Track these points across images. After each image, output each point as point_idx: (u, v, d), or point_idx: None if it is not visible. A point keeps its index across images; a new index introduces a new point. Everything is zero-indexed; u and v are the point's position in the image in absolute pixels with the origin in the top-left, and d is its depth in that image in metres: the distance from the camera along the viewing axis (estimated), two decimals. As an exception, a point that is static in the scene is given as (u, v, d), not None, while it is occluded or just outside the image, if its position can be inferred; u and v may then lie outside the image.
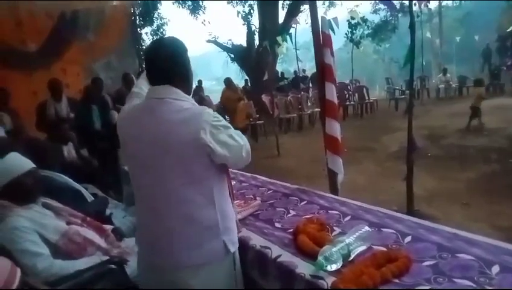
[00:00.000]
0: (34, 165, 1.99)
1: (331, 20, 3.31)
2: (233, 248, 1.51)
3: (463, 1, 27.10)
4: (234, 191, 2.48)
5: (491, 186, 4.39)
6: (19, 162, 1.96)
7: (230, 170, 2.94)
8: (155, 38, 15.83)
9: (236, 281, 1.57)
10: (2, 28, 6.13)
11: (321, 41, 2.65)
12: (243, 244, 1.78)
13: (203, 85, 13.91)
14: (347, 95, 12.14)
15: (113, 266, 1.91)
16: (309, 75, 13.85)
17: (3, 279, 1.13)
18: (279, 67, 17.21)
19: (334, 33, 3.30)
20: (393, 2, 13.11)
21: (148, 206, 1.50)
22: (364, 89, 12.38)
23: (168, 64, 1.43)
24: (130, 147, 1.49)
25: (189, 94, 1.50)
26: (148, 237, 1.51)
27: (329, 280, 1.32)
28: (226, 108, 8.80)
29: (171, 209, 1.42)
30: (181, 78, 1.46)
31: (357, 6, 14.26)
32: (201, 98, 1.72)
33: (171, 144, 1.36)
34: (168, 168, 1.39)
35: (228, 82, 9.29)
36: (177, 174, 1.39)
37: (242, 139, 1.48)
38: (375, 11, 17.02)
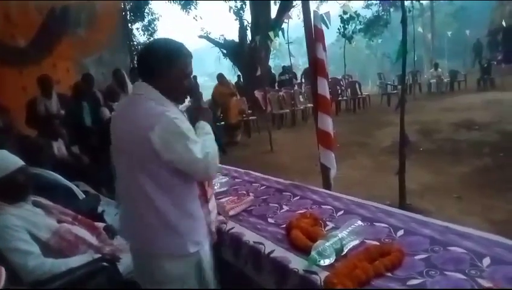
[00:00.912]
0: (23, 163, 1.97)
1: (323, 15, 3.30)
2: (193, 248, 1.50)
3: (454, -4, 27.25)
4: (227, 187, 2.49)
5: (484, 180, 4.43)
6: (8, 160, 1.93)
7: (222, 165, 2.96)
8: (146, 33, 15.76)
9: (201, 282, 1.58)
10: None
11: (313, 36, 2.64)
12: (236, 240, 1.78)
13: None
14: (339, 90, 12.16)
15: (106, 264, 1.90)
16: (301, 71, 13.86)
17: None
18: (271, 63, 17.17)
19: (327, 27, 3.29)
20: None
21: (123, 193, 1.58)
22: (357, 84, 12.40)
23: (146, 61, 1.47)
24: (112, 143, 1.57)
25: (175, 99, 1.51)
26: (125, 221, 1.63)
27: (323, 275, 1.32)
28: (218, 104, 8.76)
29: (131, 199, 1.51)
30: (155, 75, 1.46)
31: (349, 1, 14.25)
32: (197, 110, 1.71)
33: (130, 136, 1.42)
34: (126, 163, 1.48)
35: (221, 78, 9.23)
36: (137, 165, 1.44)
37: (201, 153, 1.41)
38: (367, 6, 17.03)
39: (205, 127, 1.59)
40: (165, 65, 1.45)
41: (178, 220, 1.47)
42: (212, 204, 1.69)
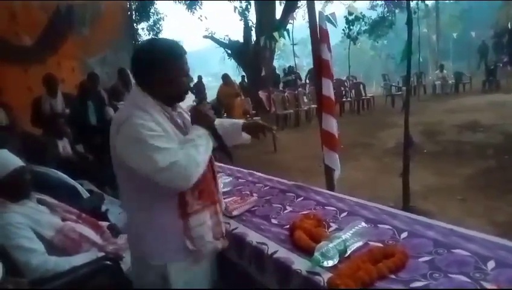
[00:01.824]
0: (22, 163, 1.98)
1: (329, 16, 3.30)
2: (157, 261, 1.46)
3: (459, -1, 27.13)
4: (231, 188, 2.49)
5: (488, 181, 4.40)
6: (8, 160, 1.95)
7: (226, 166, 2.96)
8: (151, 33, 15.81)
9: None
10: (-3, 22, 6.07)
11: (318, 37, 2.64)
12: (240, 241, 1.78)
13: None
14: (344, 92, 12.13)
15: (109, 263, 1.90)
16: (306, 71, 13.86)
17: None
18: (275, 63, 17.17)
19: (335, 27, 3.29)
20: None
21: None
22: (361, 86, 12.38)
23: (135, 66, 1.45)
24: None
25: (168, 101, 1.47)
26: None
27: (326, 276, 1.32)
28: (223, 104, 8.77)
29: (123, 205, 1.58)
30: (142, 80, 1.44)
31: (354, 2, 14.23)
32: (197, 110, 1.59)
33: (109, 140, 1.42)
34: (114, 169, 1.48)
35: (225, 78, 9.26)
36: (116, 169, 1.46)
37: (165, 161, 1.29)
38: (372, 7, 16.99)
39: (196, 132, 1.44)
40: (155, 67, 1.40)
41: (144, 228, 1.46)
42: (200, 219, 1.51)
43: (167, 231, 1.45)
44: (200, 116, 1.49)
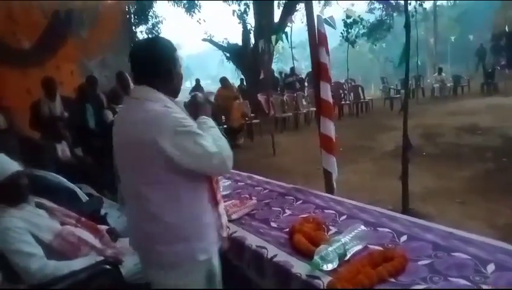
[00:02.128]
0: (19, 168, 1.97)
1: (328, 19, 3.30)
2: (203, 256, 1.44)
3: (458, 0, 27.21)
4: (230, 191, 2.49)
5: (487, 184, 4.41)
6: (5, 164, 1.94)
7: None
8: (150, 36, 15.82)
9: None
10: (-5, 25, 6.07)
11: (317, 40, 2.65)
12: (239, 244, 1.78)
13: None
14: (342, 94, 12.16)
15: (108, 267, 1.90)
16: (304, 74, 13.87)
17: None
18: (274, 66, 17.19)
19: (334, 28, 3.30)
20: (390, 1, 13.18)
21: (127, 201, 1.54)
22: (360, 89, 12.40)
23: (148, 65, 1.43)
24: (114, 149, 1.52)
25: (174, 94, 1.49)
26: (131, 231, 1.56)
27: (326, 280, 1.32)
28: (221, 107, 8.77)
29: (137, 206, 1.45)
30: (162, 79, 1.44)
31: (352, 5, 14.28)
32: (196, 103, 1.63)
33: (131, 144, 1.38)
34: (130, 168, 1.44)
35: (224, 81, 9.25)
36: (137, 173, 1.40)
37: (214, 147, 1.37)
38: (370, 11, 17.05)
39: (207, 121, 1.51)
40: (160, 64, 1.43)
41: (184, 226, 1.40)
42: (222, 208, 1.59)
43: (209, 222, 1.48)
44: (202, 108, 1.57)
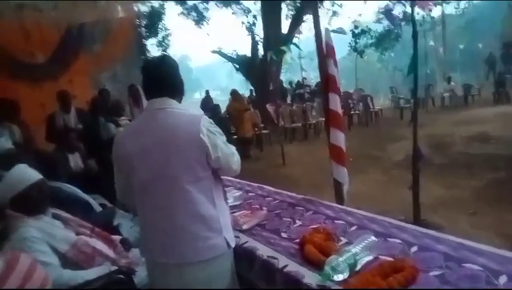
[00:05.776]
0: (41, 177, 2.02)
1: (337, 29, 3.35)
2: (233, 243, 1.62)
3: (466, 9, 27.12)
4: (241, 202, 2.52)
5: (498, 194, 4.36)
6: (27, 174, 1.99)
7: (236, 179, 2.99)
8: (160, 49, 16.07)
9: (233, 275, 1.69)
10: (10, 40, 6.22)
11: (325, 52, 2.69)
12: (250, 254, 1.80)
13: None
14: (351, 104, 12.15)
15: (122, 276, 1.93)
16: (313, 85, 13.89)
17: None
18: (282, 77, 17.29)
19: (345, 34, 3.34)
20: (395, 14, 13.19)
21: (157, 207, 1.55)
22: (369, 98, 12.38)
23: (169, 79, 1.63)
24: (138, 158, 1.53)
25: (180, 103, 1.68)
26: (157, 236, 1.57)
27: (336, 290, 1.33)
28: (232, 118, 8.85)
29: (179, 207, 1.52)
30: (177, 91, 1.65)
31: (360, 15, 14.35)
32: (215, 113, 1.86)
33: (176, 145, 1.51)
34: (174, 168, 1.51)
35: (234, 94, 9.36)
36: (182, 173, 1.51)
37: (233, 147, 1.67)
38: (378, 21, 17.09)
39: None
40: (176, 78, 1.65)
41: (219, 219, 1.55)
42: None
43: (228, 216, 1.68)
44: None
